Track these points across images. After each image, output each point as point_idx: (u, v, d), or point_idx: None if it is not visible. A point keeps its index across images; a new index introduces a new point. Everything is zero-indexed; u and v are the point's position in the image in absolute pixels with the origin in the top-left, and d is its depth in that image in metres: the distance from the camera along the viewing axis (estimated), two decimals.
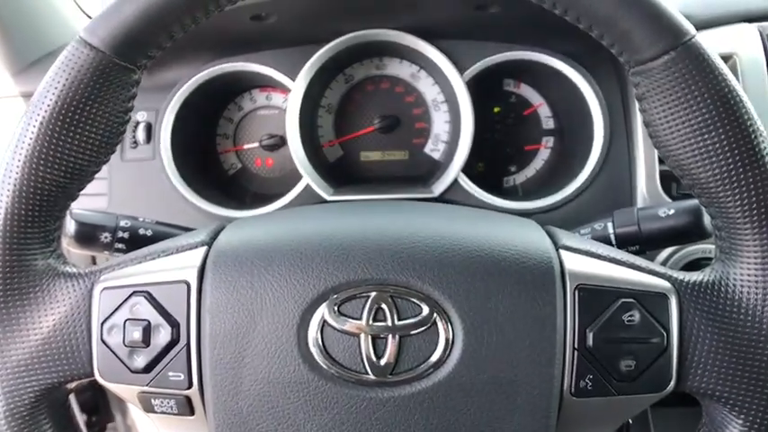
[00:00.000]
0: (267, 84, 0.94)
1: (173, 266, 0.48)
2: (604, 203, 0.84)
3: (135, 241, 0.62)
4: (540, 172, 0.96)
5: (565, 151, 0.94)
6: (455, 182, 0.86)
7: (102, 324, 0.47)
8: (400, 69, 0.94)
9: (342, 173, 0.96)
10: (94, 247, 0.62)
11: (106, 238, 0.62)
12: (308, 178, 0.86)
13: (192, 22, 0.45)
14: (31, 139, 0.44)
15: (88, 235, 0.62)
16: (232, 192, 0.96)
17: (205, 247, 0.49)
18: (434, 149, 0.96)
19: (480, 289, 0.45)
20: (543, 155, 0.96)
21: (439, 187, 0.86)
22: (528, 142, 0.96)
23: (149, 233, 0.63)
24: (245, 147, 0.98)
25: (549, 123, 0.96)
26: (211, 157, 0.98)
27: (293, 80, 0.87)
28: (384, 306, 0.45)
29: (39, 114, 0.44)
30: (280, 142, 0.95)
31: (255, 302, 0.45)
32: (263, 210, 0.87)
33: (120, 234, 0.62)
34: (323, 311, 0.45)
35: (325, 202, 0.87)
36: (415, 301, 0.45)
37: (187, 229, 0.63)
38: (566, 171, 0.90)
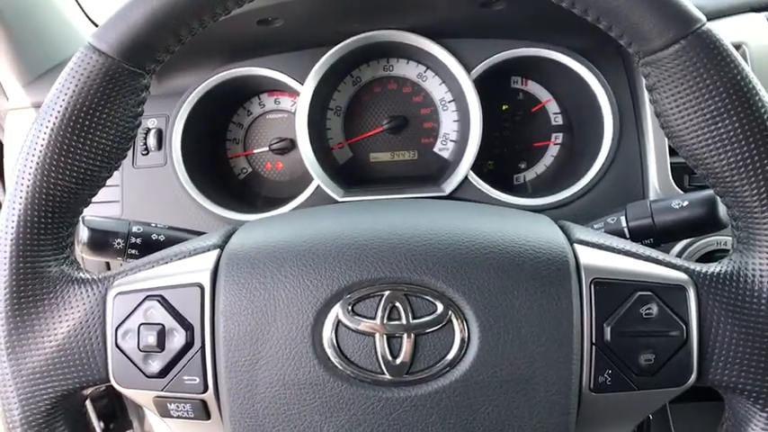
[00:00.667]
0: (276, 88, 0.95)
1: (186, 270, 0.48)
2: (616, 198, 0.83)
3: (148, 246, 0.62)
4: (549, 168, 0.95)
5: (574, 147, 0.94)
6: (465, 180, 0.85)
7: (117, 329, 0.47)
8: (407, 70, 0.94)
9: (352, 174, 0.96)
10: (107, 254, 0.62)
11: (119, 244, 0.62)
12: (319, 180, 0.86)
13: (199, 26, 0.46)
14: (42, 145, 0.45)
15: (101, 241, 0.62)
16: (243, 196, 0.97)
17: (218, 250, 0.49)
18: (443, 149, 0.96)
19: (495, 285, 0.44)
20: (552, 151, 0.96)
21: (449, 186, 0.86)
22: (537, 139, 0.95)
23: (162, 238, 0.64)
24: (255, 151, 0.98)
25: (557, 119, 0.95)
26: (222, 162, 0.98)
27: (301, 83, 0.87)
28: (398, 304, 0.44)
29: (49, 121, 0.45)
30: (289, 145, 0.95)
31: (269, 304, 0.45)
32: (274, 213, 0.87)
33: (133, 240, 0.62)
34: (337, 311, 0.45)
35: (337, 203, 0.87)
36: (429, 298, 0.44)
37: (199, 234, 0.63)
38: (575, 167, 0.89)
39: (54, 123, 0.45)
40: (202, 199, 0.87)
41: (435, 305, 0.44)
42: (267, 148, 0.96)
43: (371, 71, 0.95)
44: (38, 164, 0.45)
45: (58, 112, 0.44)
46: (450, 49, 0.85)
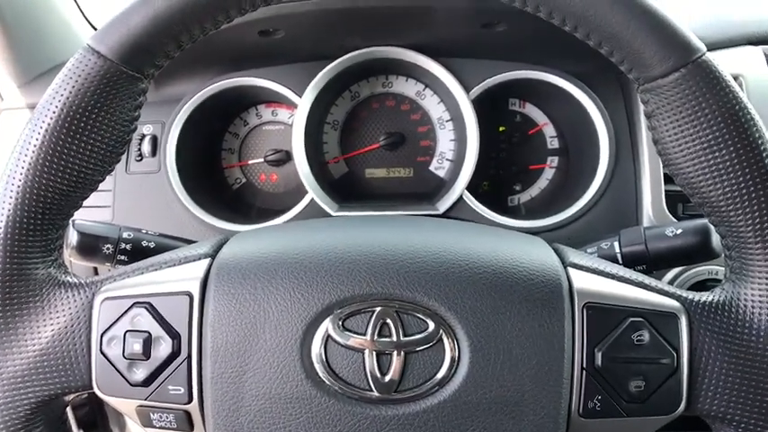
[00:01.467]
0: (273, 99, 0.95)
1: (175, 278, 0.47)
2: (609, 223, 0.84)
3: (137, 253, 0.62)
4: (544, 191, 0.96)
5: (570, 171, 0.94)
6: (460, 200, 0.85)
7: (102, 335, 0.46)
8: (406, 87, 0.95)
9: (347, 189, 0.96)
10: (96, 259, 0.62)
11: (108, 249, 0.61)
12: (313, 194, 0.86)
13: (200, 32, 0.45)
14: (35, 146, 0.44)
15: (90, 246, 0.61)
16: (237, 206, 0.96)
17: (208, 259, 0.48)
18: (439, 167, 0.96)
19: (487, 306, 0.44)
20: (548, 174, 0.96)
21: (444, 205, 0.85)
22: (533, 161, 0.96)
23: (152, 245, 0.63)
24: (250, 162, 0.98)
25: (553, 143, 0.96)
26: (216, 171, 0.98)
27: (300, 96, 0.87)
28: (389, 321, 0.44)
29: (44, 121, 0.44)
30: (285, 158, 0.95)
31: (258, 316, 0.44)
32: (267, 224, 0.86)
33: (123, 245, 0.62)
34: (327, 326, 0.44)
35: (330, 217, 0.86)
36: (420, 316, 0.44)
37: (190, 242, 0.63)
38: (570, 191, 0.90)
39: (48, 124, 0.44)
40: (195, 208, 0.86)
41: (426, 323, 0.44)
42: (262, 160, 0.96)
43: (370, 87, 0.95)
44: (30, 164, 0.44)
45: (54, 112, 0.44)
46: (449, 68, 0.86)
